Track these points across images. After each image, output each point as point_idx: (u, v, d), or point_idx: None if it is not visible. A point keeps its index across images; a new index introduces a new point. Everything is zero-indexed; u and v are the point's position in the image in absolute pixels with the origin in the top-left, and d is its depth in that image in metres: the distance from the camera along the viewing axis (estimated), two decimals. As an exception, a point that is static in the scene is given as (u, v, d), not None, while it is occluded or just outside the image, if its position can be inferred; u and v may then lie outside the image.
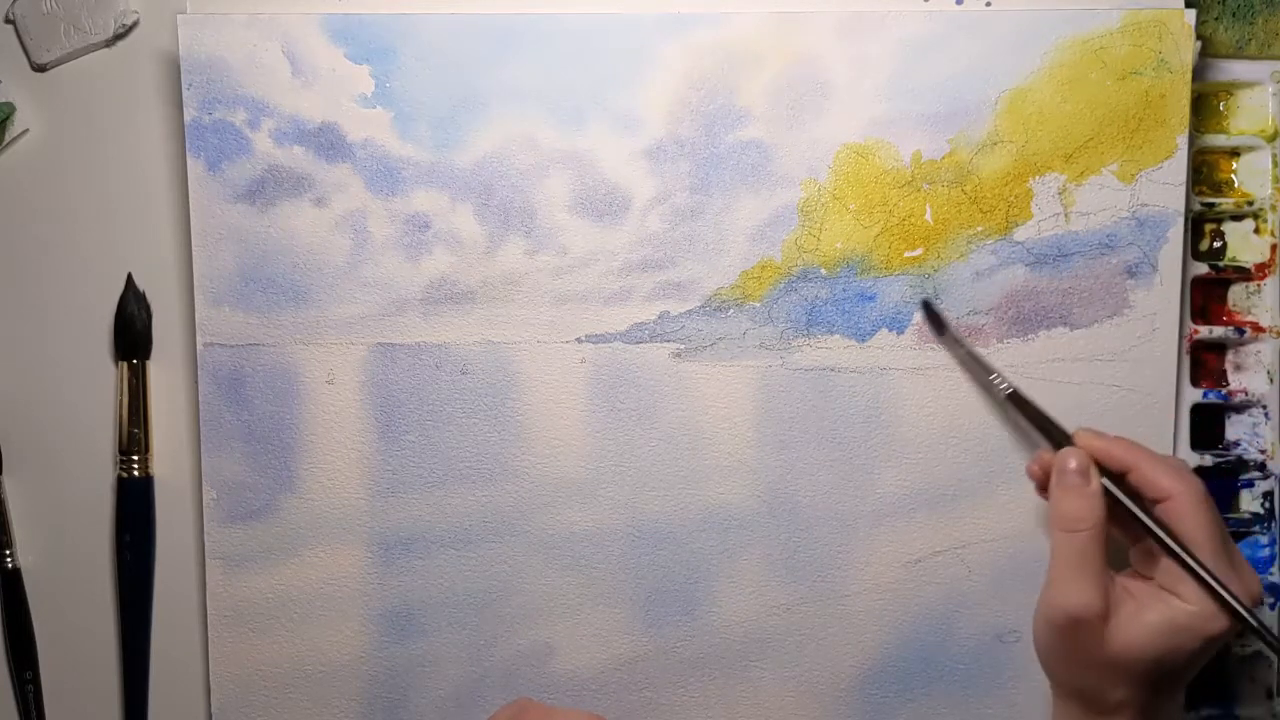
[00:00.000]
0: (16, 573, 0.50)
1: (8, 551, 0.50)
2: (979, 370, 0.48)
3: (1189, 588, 0.41)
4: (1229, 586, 0.40)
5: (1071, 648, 0.42)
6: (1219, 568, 0.41)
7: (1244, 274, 0.51)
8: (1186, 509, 0.42)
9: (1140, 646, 0.41)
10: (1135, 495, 0.43)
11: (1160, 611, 0.41)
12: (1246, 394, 0.51)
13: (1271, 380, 0.51)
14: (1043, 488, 0.45)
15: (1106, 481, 0.43)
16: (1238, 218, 0.52)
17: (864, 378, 0.50)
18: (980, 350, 0.49)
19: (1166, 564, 0.42)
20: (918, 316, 0.49)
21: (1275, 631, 0.41)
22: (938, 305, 0.49)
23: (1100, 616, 0.41)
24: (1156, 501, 0.42)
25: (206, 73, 0.48)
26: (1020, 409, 0.47)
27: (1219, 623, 0.40)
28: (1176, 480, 0.42)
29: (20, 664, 0.50)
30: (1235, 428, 0.52)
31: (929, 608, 0.50)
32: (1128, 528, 0.44)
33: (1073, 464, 0.43)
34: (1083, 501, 0.43)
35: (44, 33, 0.49)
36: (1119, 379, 0.50)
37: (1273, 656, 0.40)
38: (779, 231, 0.49)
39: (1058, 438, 0.45)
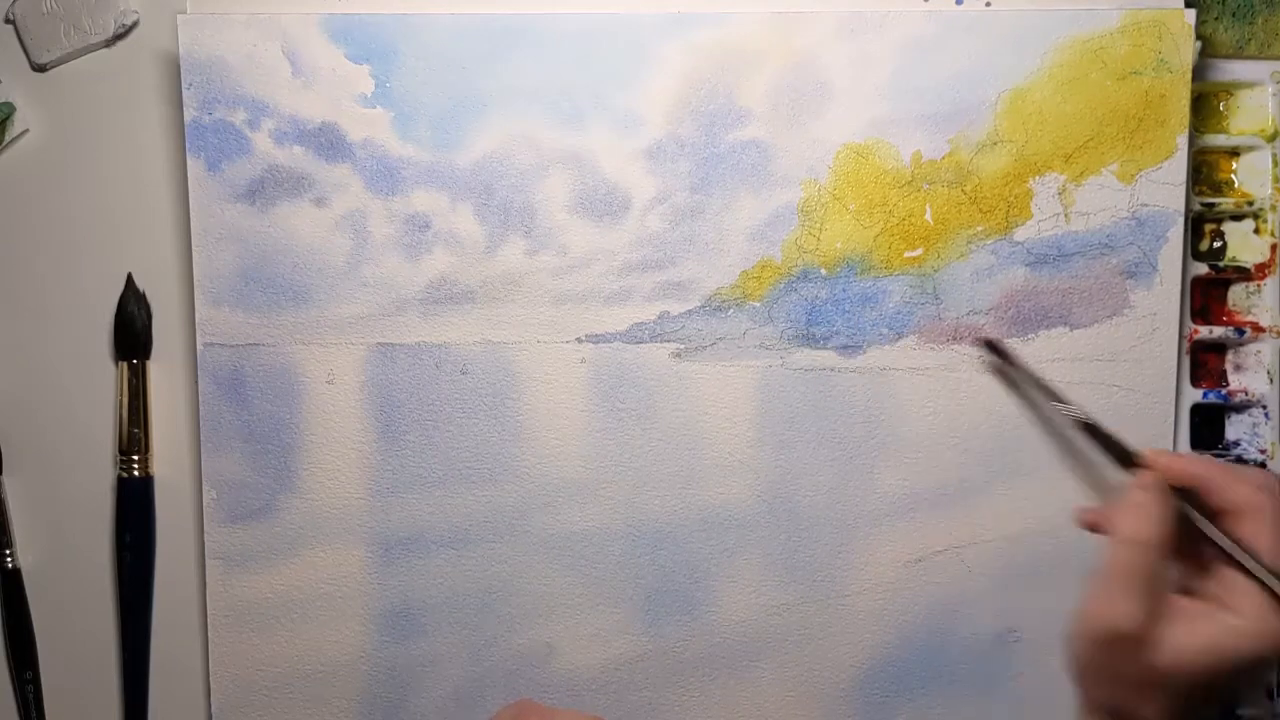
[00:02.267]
0: (16, 573, 0.50)
1: (8, 551, 0.50)
2: (1042, 397, 0.48)
3: (1247, 601, 0.40)
4: None
5: (1107, 662, 0.41)
6: None
7: (1244, 274, 0.51)
8: (1261, 520, 0.41)
9: (1188, 663, 0.40)
10: (1205, 510, 0.42)
11: (1211, 628, 0.40)
12: (1246, 394, 0.51)
13: (1271, 380, 0.51)
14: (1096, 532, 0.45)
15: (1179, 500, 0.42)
16: (1238, 218, 0.52)
17: (864, 378, 0.50)
18: (1047, 379, 0.48)
19: (1221, 579, 0.41)
20: (982, 354, 0.49)
21: None
22: (1001, 343, 0.49)
23: (1141, 632, 0.40)
24: (1224, 513, 0.42)
25: (206, 73, 0.48)
26: (1092, 435, 0.47)
27: (1272, 638, 0.40)
28: (1253, 493, 0.41)
29: (20, 664, 0.50)
30: (1235, 428, 0.52)
31: (929, 608, 0.50)
32: (1186, 545, 0.43)
33: (1147, 483, 0.42)
34: (1146, 523, 0.42)
35: (44, 33, 0.49)
36: (1119, 379, 0.50)
37: None
38: (779, 231, 0.49)
39: (1129, 459, 0.45)
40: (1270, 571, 0.40)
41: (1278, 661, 0.41)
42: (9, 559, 0.50)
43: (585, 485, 0.50)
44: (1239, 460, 0.51)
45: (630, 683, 0.50)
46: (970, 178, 0.49)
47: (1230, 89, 0.52)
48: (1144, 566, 0.41)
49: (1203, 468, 0.43)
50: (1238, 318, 0.52)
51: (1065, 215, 0.49)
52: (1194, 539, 0.42)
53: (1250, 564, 0.40)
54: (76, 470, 0.50)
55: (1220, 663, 0.40)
